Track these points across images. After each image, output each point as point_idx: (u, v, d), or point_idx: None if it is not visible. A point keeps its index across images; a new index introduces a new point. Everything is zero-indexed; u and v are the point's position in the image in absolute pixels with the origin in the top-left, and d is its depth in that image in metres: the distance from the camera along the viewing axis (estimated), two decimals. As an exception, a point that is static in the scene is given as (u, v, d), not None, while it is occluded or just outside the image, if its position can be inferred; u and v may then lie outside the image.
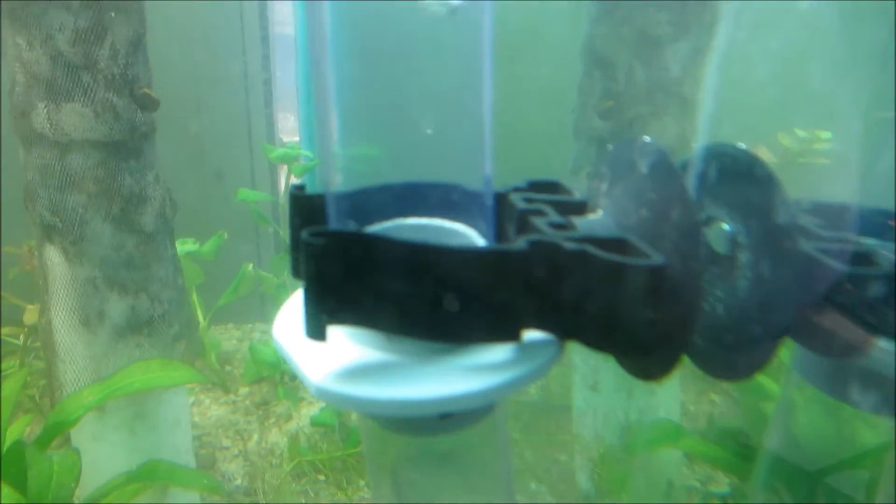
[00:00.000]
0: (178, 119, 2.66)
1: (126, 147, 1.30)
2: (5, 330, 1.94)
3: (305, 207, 0.38)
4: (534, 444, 1.73)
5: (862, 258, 0.36)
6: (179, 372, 1.10)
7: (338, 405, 0.31)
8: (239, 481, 1.71)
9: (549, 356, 0.34)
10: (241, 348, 2.85)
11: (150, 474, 1.01)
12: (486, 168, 0.38)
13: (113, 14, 1.23)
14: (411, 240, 0.31)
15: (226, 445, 1.90)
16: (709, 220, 0.40)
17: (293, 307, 0.39)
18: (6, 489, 0.77)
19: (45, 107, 1.24)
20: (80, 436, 1.24)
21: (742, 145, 0.38)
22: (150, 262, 1.33)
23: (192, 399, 2.17)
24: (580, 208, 0.41)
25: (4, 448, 0.89)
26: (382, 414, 0.37)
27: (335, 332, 0.35)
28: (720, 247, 0.38)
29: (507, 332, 0.33)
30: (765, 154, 2.39)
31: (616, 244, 0.35)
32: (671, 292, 0.33)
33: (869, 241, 0.43)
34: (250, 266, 2.69)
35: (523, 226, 0.38)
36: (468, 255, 0.32)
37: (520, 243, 0.32)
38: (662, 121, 1.46)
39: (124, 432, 1.21)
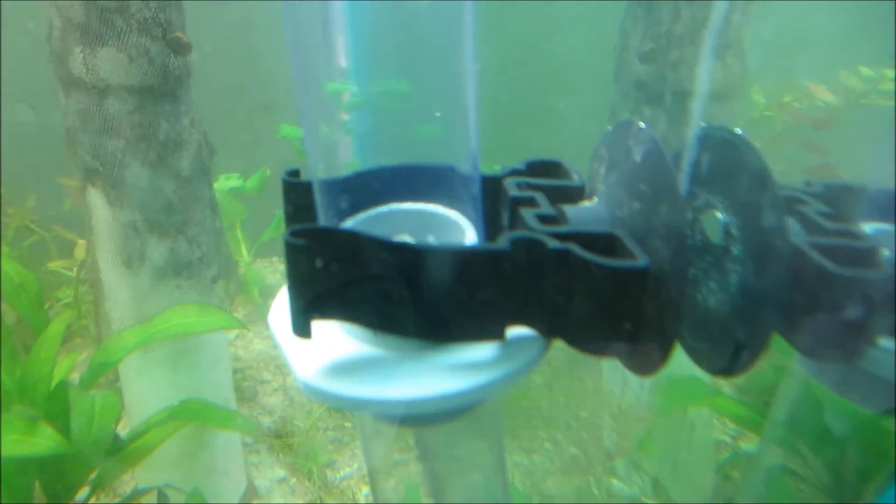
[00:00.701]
0: (226, 49, 2.65)
1: (161, 92, 1.31)
2: (59, 263, 2.03)
3: (297, 195, 0.38)
4: (563, 394, 1.75)
5: (862, 255, 0.35)
6: (215, 317, 1.14)
7: (324, 402, 0.32)
8: (278, 415, 1.79)
9: (533, 354, 0.34)
10: (284, 282, 2.93)
11: (187, 413, 1.07)
12: (473, 150, 0.37)
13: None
14: (392, 240, 0.31)
15: (267, 379, 1.99)
16: (704, 207, 0.38)
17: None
18: (49, 430, 0.83)
19: (81, 51, 1.26)
20: (128, 370, 1.31)
21: (738, 130, 0.36)
22: (188, 206, 1.37)
23: (235, 333, 2.26)
24: (577, 194, 0.40)
25: (52, 386, 0.95)
26: (367, 412, 0.38)
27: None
28: (714, 236, 0.37)
29: (490, 330, 0.33)
30: (824, 94, 2.26)
31: (604, 240, 0.35)
32: (655, 292, 0.33)
33: (881, 230, 0.41)
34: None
35: (514, 216, 0.37)
36: (450, 254, 0.31)
37: (502, 242, 0.32)
38: (710, 63, 1.39)
39: (167, 369, 1.28)
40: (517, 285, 0.33)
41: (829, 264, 0.33)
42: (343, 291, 0.32)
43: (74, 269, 2.03)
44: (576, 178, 0.41)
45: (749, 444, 1.48)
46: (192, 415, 1.07)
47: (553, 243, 0.32)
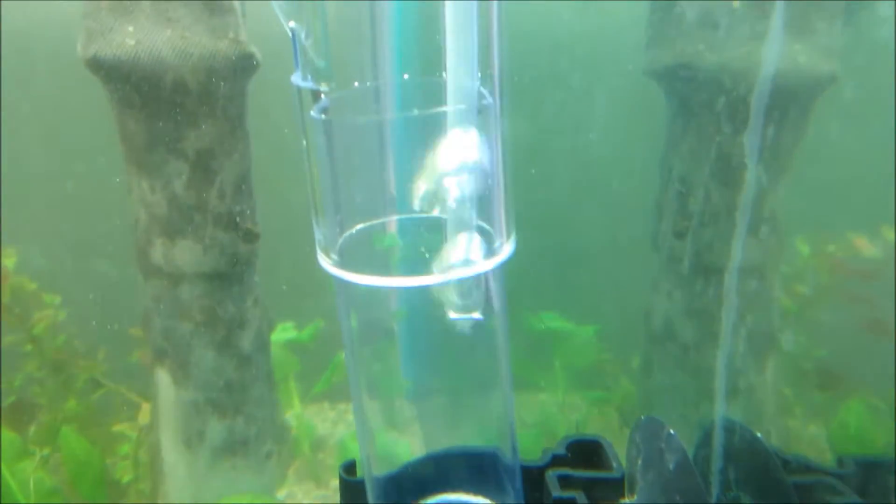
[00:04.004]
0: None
1: (229, 277, 1.42)
2: (122, 426, 2.10)
3: (354, 493, 0.43)
4: None
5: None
6: (268, 506, 1.17)
7: None
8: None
9: None
10: (335, 432, 2.92)
11: None
12: (511, 431, 0.41)
13: (222, 161, 1.37)
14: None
15: (315, 545, 1.95)
16: (736, 500, 0.41)
17: None
18: None
19: (162, 243, 1.39)
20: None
21: (758, 435, 0.39)
22: (246, 384, 1.43)
23: (285, 491, 2.25)
24: (617, 486, 0.43)
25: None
26: None
27: None
28: None
29: None
30: (867, 248, 2.27)
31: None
32: None
33: None
34: (343, 355, 2.79)
35: (556, 520, 0.41)
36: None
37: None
38: (742, 241, 1.44)
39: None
40: None
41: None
42: None
43: (136, 433, 2.09)
44: (615, 467, 0.44)
45: None
46: None
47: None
